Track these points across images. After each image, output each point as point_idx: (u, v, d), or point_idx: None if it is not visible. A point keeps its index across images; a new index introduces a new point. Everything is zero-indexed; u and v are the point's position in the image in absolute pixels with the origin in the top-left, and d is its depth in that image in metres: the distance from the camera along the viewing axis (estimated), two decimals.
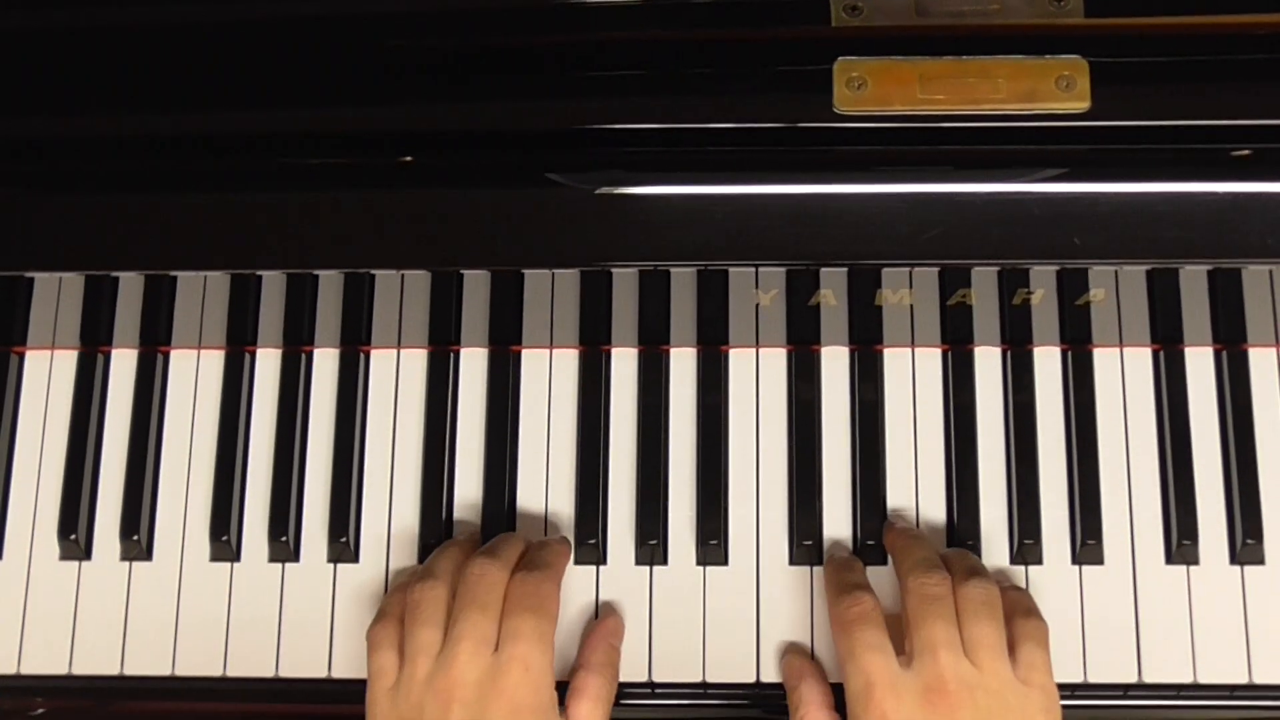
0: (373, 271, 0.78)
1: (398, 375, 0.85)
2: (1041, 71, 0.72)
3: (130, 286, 0.80)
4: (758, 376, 0.84)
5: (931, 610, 0.72)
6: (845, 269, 0.75)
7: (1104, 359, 0.83)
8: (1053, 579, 0.81)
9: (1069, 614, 0.80)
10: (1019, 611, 0.75)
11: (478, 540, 0.81)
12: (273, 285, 0.80)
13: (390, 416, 0.84)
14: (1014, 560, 0.81)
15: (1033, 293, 0.78)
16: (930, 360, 0.84)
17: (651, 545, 0.81)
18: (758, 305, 0.80)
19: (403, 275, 0.79)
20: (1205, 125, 0.72)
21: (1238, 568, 0.81)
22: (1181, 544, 0.80)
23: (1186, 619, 0.80)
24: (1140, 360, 0.83)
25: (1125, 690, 0.79)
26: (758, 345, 0.84)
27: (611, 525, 0.82)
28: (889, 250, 0.72)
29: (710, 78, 0.74)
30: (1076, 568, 0.81)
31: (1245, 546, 0.80)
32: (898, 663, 0.72)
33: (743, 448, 0.83)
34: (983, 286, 0.77)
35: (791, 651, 0.80)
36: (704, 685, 0.80)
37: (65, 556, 0.83)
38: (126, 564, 0.83)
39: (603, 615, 0.81)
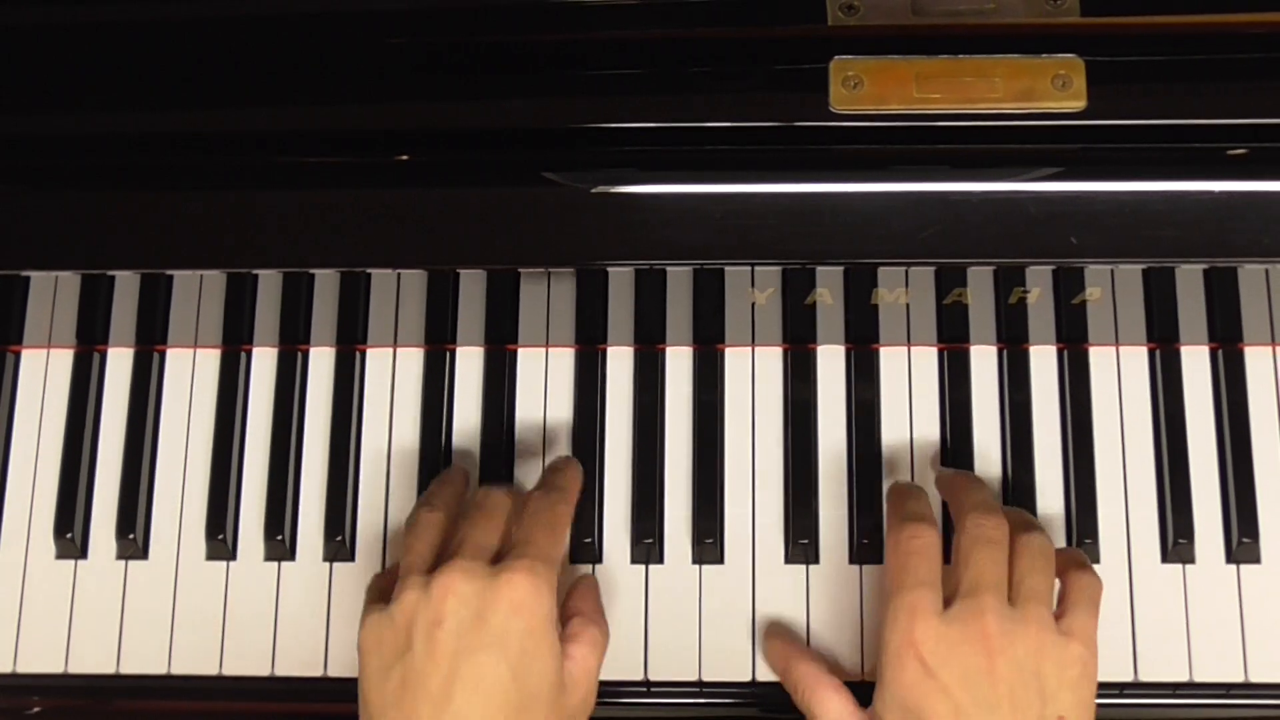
0: (369, 271, 0.78)
1: (394, 374, 0.85)
2: (1038, 70, 0.72)
3: (126, 285, 0.80)
4: (753, 375, 0.84)
5: (986, 553, 0.71)
6: (841, 268, 0.75)
7: (1100, 358, 0.83)
8: None
9: None
10: (1074, 565, 0.74)
11: (468, 477, 0.82)
12: (269, 284, 0.80)
13: (386, 415, 0.84)
14: None
15: (1029, 292, 0.78)
16: (927, 359, 0.84)
17: (647, 544, 0.81)
18: (754, 304, 0.80)
19: (399, 274, 0.79)
20: (1201, 124, 0.72)
21: (1233, 566, 0.81)
22: (1177, 543, 0.80)
23: (1182, 618, 0.80)
24: (1136, 359, 0.83)
25: (1121, 689, 0.79)
26: (754, 344, 0.84)
27: (607, 523, 0.82)
28: (885, 249, 0.72)
29: (706, 77, 0.74)
30: None
31: (1241, 545, 0.80)
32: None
33: (738, 446, 0.83)
34: (979, 285, 0.77)
35: (770, 635, 0.79)
36: (700, 684, 0.80)
37: (61, 555, 0.83)
38: (122, 562, 0.83)
39: (582, 577, 0.80)
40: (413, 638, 0.69)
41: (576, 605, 0.77)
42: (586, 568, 0.81)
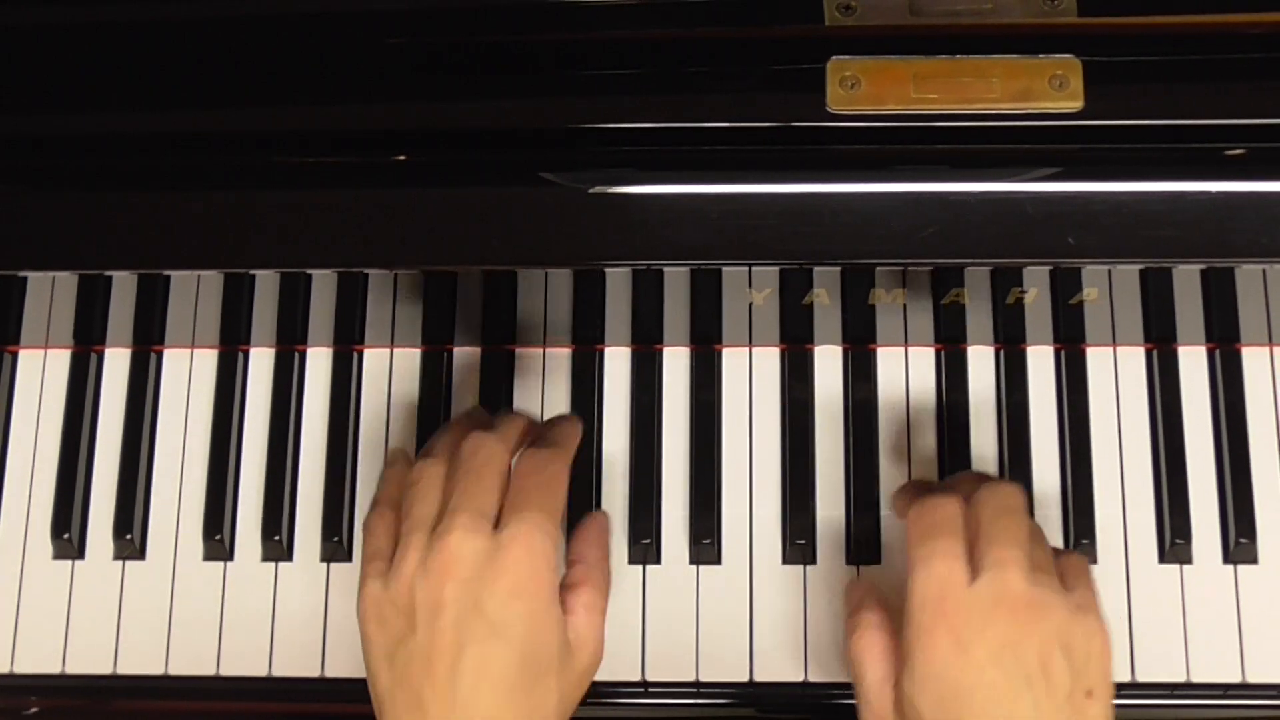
0: (366, 271, 0.78)
1: (391, 374, 0.85)
2: (1035, 71, 0.72)
3: (124, 286, 0.80)
4: (751, 375, 0.84)
5: (1011, 523, 0.68)
6: (839, 268, 0.75)
7: (1097, 358, 0.83)
8: None
9: None
10: (1058, 550, 0.74)
11: (478, 420, 0.79)
12: (266, 285, 0.80)
13: (383, 415, 0.84)
14: None
15: (1026, 292, 0.78)
16: (924, 359, 0.84)
17: (644, 544, 0.81)
18: (751, 304, 0.80)
19: (395, 274, 0.79)
20: (1198, 124, 0.72)
21: (1231, 567, 0.81)
22: (1175, 543, 0.80)
23: (1180, 618, 0.80)
24: (1134, 360, 0.83)
25: (1119, 689, 0.79)
26: (751, 344, 0.84)
27: None
28: (883, 250, 0.72)
29: (704, 77, 0.73)
30: None
31: (1238, 546, 0.80)
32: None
33: (736, 447, 0.83)
34: (976, 286, 0.77)
35: (861, 580, 0.78)
36: (697, 684, 0.80)
37: (59, 556, 0.83)
38: (120, 563, 0.83)
39: (591, 515, 0.79)
40: (415, 622, 0.67)
41: (579, 550, 0.75)
42: None
